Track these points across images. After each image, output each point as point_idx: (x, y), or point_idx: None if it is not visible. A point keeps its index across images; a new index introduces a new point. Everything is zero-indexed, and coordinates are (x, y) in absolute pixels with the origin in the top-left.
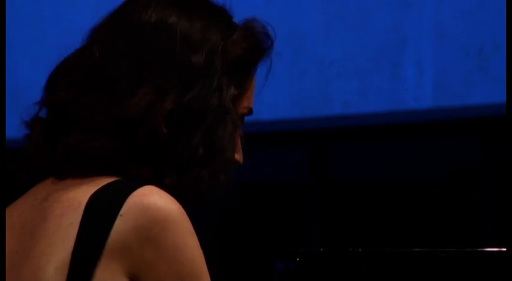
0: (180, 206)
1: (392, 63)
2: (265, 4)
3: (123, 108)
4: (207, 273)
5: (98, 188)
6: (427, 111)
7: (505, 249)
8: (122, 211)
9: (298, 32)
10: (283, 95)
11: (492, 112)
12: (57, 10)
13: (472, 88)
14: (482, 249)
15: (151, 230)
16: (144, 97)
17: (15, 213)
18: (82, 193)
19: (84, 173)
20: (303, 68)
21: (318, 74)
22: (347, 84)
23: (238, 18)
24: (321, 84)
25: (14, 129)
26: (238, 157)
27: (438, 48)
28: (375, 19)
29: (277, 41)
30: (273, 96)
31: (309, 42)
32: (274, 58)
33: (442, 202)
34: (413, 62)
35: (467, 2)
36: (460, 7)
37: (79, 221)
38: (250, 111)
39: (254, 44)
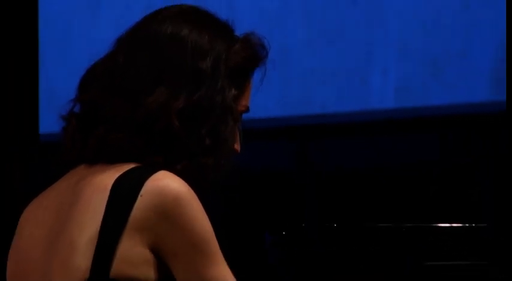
0: (189, 187)
1: (362, 72)
2: (257, 23)
3: (141, 106)
4: (215, 240)
5: (121, 173)
6: (389, 111)
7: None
8: (141, 192)
9: (286, 47)
10: (274, 98)
11: (445, 112)
12: (84, 25)
13: (427, 92)
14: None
15: (166, 207)
16: (159, 97)
17: (52, 194)
18: (108, 177)
19: (109, 160)
20: (289, 76)
21: (302, 81)
22: (326, 90)
23: (238, 31)
24: (305, 89)
25: (49, 126)
26: (237, 146)
27: (400, 60)
28: (348, 36)
29: (269, 54)
30: (264, 98)
31: (295, 55)
32: (267, 75)
33: (398, 188)
34: (379, 71)
35: (424, 22)
36: (418, 27)
37: (106, 201)
38: (247, 109)
39: (252, 54)
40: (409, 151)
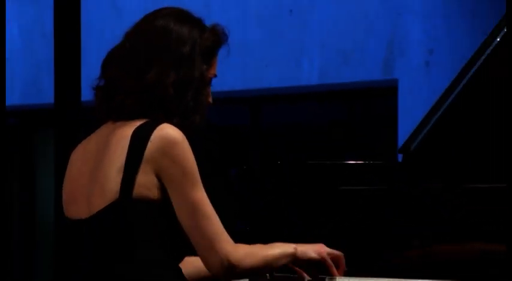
0: (183, 135)
1: (296, 60)
2: (225, 25)
3: (143, 81)
4: (198, 173)
5: (136, 126)
6: (314, 86)
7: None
8: (151, 139)
9: (244, 42)
10: (236, 76)
11: (351, 86)
12: (111, 27)
13: (340, 73)
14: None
15: (166, 148)
16: (156, 73)
17: (92, 140)
18: (128, 129)
19: (127, 118)
20: (247, 62)
21: (255, 66)
22: (272, 71)
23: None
24: (257, 71)
25: (88, 96)
26: (210, 99)
27: (321, 51)
28: (286, 35)
29: (233, 48)
30: (230, 77)
31: (250, 48)
32: (232, 60)
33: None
34: (307, 59)
35: (337, 26)
36: (333, 29)
37: (128, 145)
38: (215, 75)
39: (217, 39)
40: (328, 113)
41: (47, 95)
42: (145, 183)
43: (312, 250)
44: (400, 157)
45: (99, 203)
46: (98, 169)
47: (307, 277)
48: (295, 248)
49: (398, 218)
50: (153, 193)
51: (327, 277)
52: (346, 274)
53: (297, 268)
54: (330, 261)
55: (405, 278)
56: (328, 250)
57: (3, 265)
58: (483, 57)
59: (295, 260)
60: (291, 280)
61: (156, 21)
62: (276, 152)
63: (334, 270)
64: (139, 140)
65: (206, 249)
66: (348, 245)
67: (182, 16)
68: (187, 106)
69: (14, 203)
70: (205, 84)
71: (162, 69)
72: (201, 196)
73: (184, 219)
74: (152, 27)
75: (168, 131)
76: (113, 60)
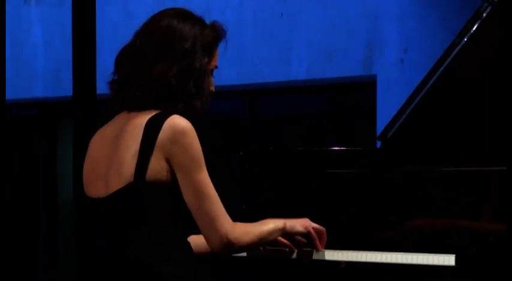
0: (191, 125)
1: (285, 58)
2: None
3: (151, 75)
4: (203, 159)
5: (150, 116)
6: (302, 81)
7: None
8: (162, 128)
9: (241, 42)
10: (235, 73)
11: (335, 81)
12: (122, 28)
13: (325, 70)
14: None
15: (175, 136)
16: (162, 67)
17: (109, 128)
18: (142, 119)
19: (140, 109)
20: (243, 60)
21: (250, 63)
22: (265, 67)
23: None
24: (252, 67)
25: (102, 90)
26: (212, 88)
27: (308, 50)
28: (278, 36)
29: (231, 47)
30: (228, 73)
31: (246, 47)
32: (229, 58)
33: (308, 127)
34: (296, 58)
35: (322, 28)
36: (319, 31)
37: (142, 133)
38: (216, 67)
39: (216, 34)
40: (314, 105)
41: (66, 89)
42: (157, 168)
43: (299, 224)
44: (378, 144)
45: (116, 185)
46: (115, 154)
47: (295, 249)
48: (285, 223)
49: (377, 197)
50: (164, 176)
51: (314, 250)
52: (330, 247)
53: (287, 242)
54: (314, 234)
55: (385, 251)
56: (313, 224)
57: (30, 242)
58: (451, 55)
59: (284, 233)
60: (282, 253)
61: (162, 21)
62: (269, 139)
63: (317, 242)
64: (151, 130)
65: (208, 228)
66: (334, 222)
67: (184, 15)
68: (189, 93)
69: (38, 186)
70: (207, 74)
71: (167, 64)
72: (205, 180)
73: (190, 200)
74: (158, 27)
75: (177, 122)
76: (124, 57)
